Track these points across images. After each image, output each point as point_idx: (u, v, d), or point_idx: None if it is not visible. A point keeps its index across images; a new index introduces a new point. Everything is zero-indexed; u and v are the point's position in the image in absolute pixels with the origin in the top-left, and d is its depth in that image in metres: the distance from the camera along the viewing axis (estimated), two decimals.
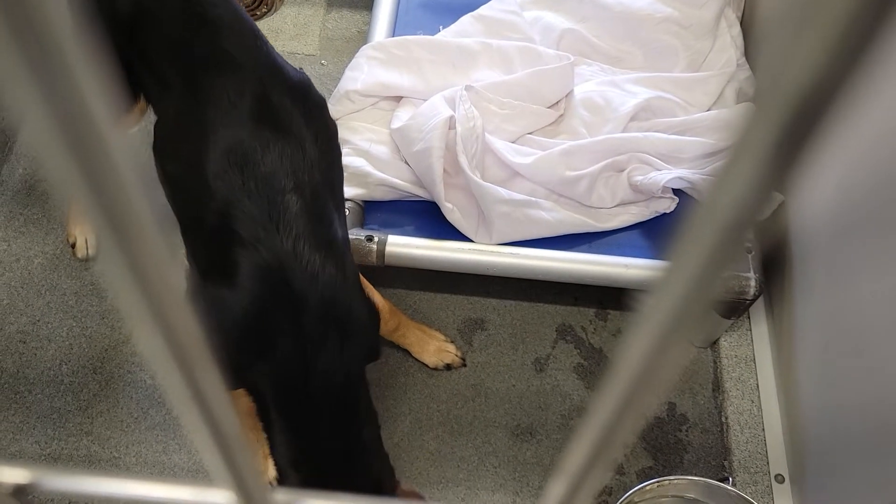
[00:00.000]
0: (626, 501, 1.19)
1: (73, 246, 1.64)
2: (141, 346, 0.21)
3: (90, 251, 1.64)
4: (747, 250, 1.51)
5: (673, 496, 1.24)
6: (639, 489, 1.22)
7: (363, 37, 2.10)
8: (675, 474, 1.50)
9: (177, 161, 1.16)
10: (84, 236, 1.63)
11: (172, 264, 0.19)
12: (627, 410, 0.23)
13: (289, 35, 2.09)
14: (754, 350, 1.63)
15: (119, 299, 0.19)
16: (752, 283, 1.47)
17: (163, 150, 1.19)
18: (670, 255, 0.18)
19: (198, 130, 1.13)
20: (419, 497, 1.21)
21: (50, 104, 0.15)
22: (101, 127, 0.16)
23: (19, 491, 0.32)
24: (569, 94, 1.70)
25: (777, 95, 0.15)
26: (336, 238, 1.16)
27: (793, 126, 0.15)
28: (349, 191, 1.53)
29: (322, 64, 2.07)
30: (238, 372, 1.08)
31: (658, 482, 1.23)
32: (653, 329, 0.20)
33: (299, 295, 1.08)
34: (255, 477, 0.23)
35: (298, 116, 1.16)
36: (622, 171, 1.58)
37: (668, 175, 1.53)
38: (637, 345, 0.21)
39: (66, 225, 1.66)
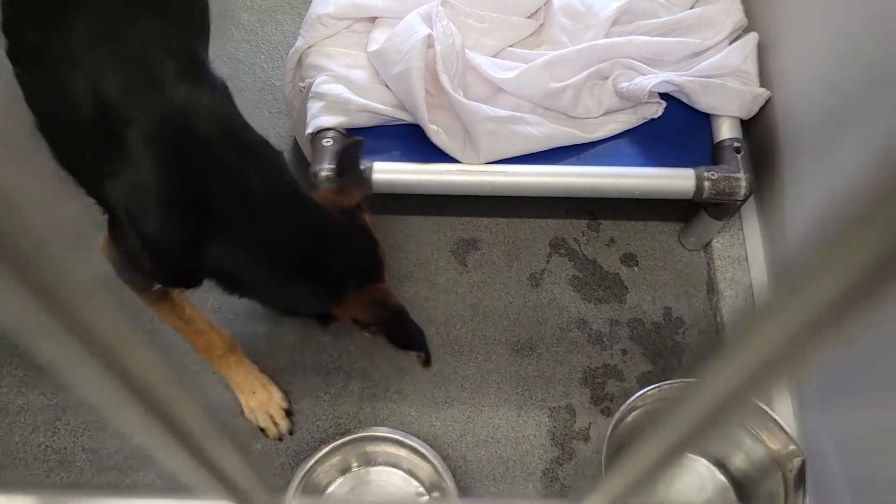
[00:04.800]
0: (628, 407, 1.22)
1: None
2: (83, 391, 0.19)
3: None
4: (736, 150, 1.50)
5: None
6: (640, 395, 1.24)
7: None
8: (674, 377, 1.53)
9: (33, 47, 1.09)
10: None
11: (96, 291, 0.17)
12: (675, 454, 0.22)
13: None
14: (747, 249, 1.64)
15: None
16: (744, 182, 1.46)
17: (14, 34, 1.11)
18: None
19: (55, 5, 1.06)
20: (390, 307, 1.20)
21: None
22: None
23: None
24: (547, 3, 1.65)
25: None
26: (217, 80, 1.13)
27: None
28: (330, 119, 1.50)
29: None
30: (194, 245, 1.07)
31: (658, 387, 1.26)
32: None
33: (207, 138, 1.05)
34: (254, 484, 0.22)
35: None
36: (606, 78, 1.55)
37: (654, 79, 1.50)
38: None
39: None
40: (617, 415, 1.21)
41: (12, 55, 1.11)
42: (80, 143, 1.07)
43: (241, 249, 1.09)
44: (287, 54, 1.73)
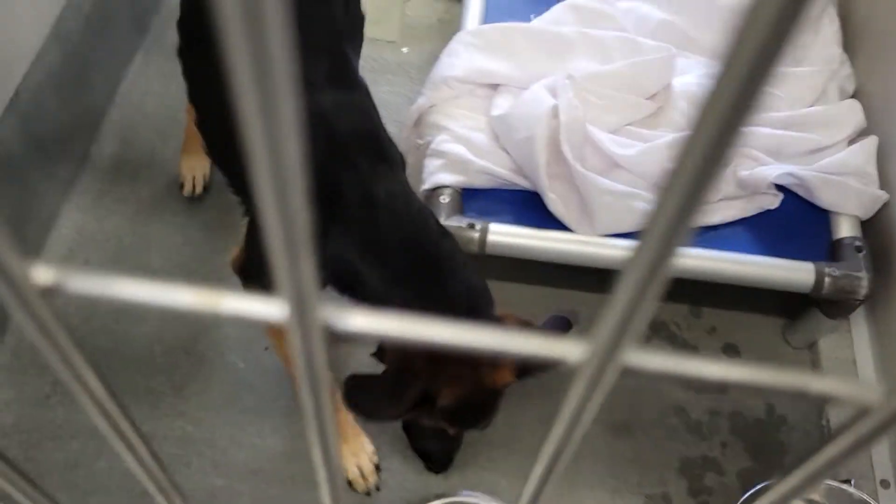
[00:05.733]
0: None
1: (182, 185, 1.68)
2: None
3: (196, 189, 1.67)
4: (857, 249, 1.47)
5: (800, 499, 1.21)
6: (758, 489, 1.18)
7: (444, 25, 2.08)
8: (775, 476, 1.47)
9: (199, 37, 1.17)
10: (192, 174, 1.67)
11: None
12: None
13: (370, 20, 2.05)
14: (854, 352, 1.59)
15: None
16: (865, 282, 1.42)
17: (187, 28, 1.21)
18: None
19: None
20: (523, 322, 1.16)
21: None
22: None
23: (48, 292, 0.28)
24: (668, 86, 1.66)
25: None
26: (363, 86, 1.19)
27: None
28: (448, 178, 1.51)
29: (403, 51, 2.05)
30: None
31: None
32: None
33: (348, 140, 1.09)
34: (311, 286, 0.19)
35: None
36: (725, 165, 1.55)
37: (776, 170, 1.50)
38: None
39: (179, 164, 1.70)
40: None
41: (182, 51, 1.16)
42: (233, 137, 1.11)
43: (357, 252, 1.10)
44: (396, 112, 1.76)
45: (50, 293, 0.20)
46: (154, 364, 1.51)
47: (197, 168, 1.66)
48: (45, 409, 1.44)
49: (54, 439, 1.41)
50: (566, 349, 0.20)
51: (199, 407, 1.46)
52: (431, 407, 1.10)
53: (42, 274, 0.20)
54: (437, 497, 1.32)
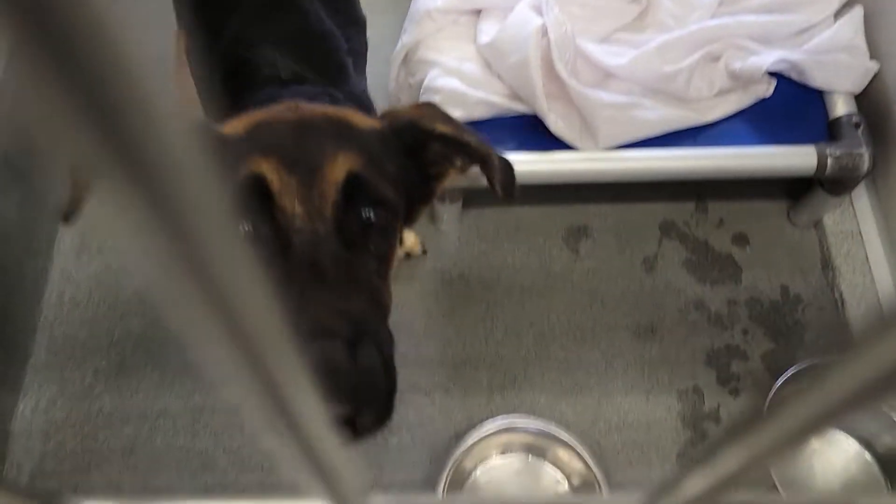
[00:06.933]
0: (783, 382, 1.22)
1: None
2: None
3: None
4: (855, 125, 1.49)
5: None
6: (793, 373, 1.24)
7: None
8: (797, 354, 1.54)
9: None
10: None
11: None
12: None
13: None
14: (859, 224, 1.64)
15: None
16: (867, 157, 1.46)
17: None
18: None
19: None
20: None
21: None
22: None
23: None
24: None
25: None
26: None
27: None
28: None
29: None
30: None
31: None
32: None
33: None
34: (354, 484, 0.21)
35: None
36: (717, 59, 1.55)
37: (769, 58, 1.50)
38: None
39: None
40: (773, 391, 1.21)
41: None
42: None
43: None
44: (380, 51, 1.73)
45: None
46: None
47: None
48: (92, 400, 1.47)
49: (107, 427, 1.45)
50: None
51: None
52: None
53: None
54: (483, 424, 1.37)
